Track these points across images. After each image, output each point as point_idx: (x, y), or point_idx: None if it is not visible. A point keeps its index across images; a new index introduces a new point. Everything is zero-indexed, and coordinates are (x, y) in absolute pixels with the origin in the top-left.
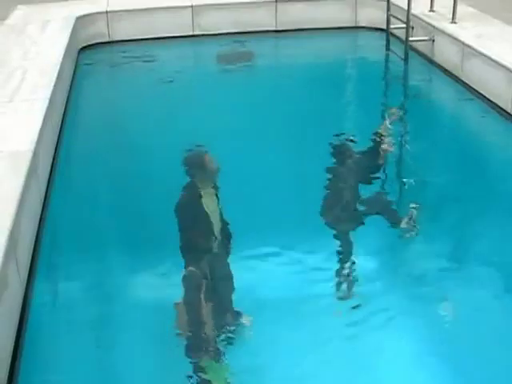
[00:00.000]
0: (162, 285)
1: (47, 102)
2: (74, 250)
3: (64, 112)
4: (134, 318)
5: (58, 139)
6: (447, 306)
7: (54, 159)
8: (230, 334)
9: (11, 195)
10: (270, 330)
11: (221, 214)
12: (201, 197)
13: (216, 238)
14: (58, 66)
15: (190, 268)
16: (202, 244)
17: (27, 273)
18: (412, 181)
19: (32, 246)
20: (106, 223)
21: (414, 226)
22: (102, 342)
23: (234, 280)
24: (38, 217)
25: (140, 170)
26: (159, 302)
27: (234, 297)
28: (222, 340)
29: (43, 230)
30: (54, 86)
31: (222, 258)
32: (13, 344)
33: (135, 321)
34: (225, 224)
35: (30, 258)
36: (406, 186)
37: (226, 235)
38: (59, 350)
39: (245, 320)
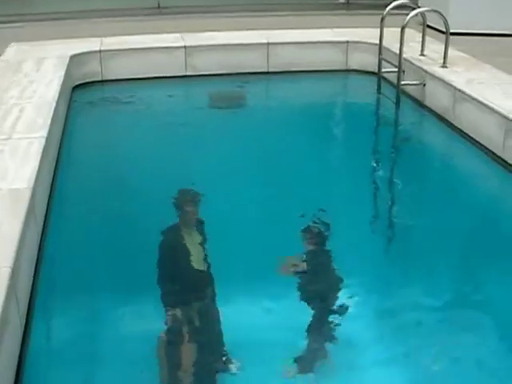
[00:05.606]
0: (148, 326)
1: (44, 140)
2: (70, 287)
3: (59, 150)
4: (123, 353)
5: (54, 177)
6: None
7: (49, 197)
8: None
9: (11, 233)
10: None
11: (206, 256)
12: (184, 238)
13: (202, 278)
14: (54, 104)
15: (175, 310)
16: (188, 286)
17: (26, 309)
18: (401, 226)
19: (30, 284)
20: (98, 261)
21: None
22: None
23: (220, 323)
24: (36, 254)
25: (132, 208)
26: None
27: (220, 339)
28: None
29: (41, 266)
30: (50, 124)
31: (207, 300)
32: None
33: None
34: (210, 266)
35: (29, 295)
36: (396, 231)
37: (211, 277)
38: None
39: (232, 364)
